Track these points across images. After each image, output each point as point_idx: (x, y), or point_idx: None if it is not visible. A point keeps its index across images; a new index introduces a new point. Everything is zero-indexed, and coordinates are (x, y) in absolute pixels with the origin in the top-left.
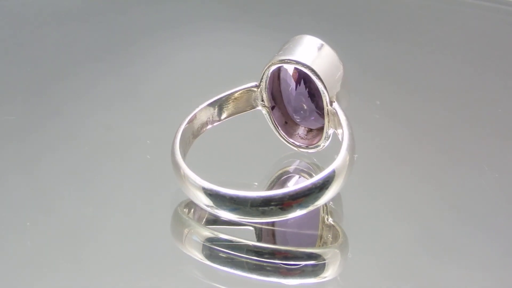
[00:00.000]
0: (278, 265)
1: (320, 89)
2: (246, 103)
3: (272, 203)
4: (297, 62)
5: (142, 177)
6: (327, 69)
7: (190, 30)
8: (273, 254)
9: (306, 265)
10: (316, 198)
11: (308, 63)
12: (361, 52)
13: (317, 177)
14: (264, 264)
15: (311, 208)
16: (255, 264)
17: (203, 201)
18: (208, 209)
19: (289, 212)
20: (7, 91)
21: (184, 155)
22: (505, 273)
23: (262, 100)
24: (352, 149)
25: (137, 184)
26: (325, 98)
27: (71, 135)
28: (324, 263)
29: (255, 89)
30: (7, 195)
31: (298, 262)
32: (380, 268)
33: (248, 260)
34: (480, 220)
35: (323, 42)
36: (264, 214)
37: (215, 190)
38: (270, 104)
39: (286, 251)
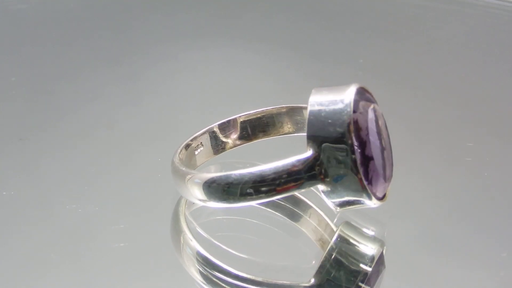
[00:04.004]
0: None
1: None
2: None
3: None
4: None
5: (144, 177)
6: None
7: (206, 43)
8: (256, 283)
9: None
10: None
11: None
12: (362, 52)
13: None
14: None
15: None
16: None
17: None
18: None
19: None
20: (13, 90)
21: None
22: (508, 272)
23: None
24: None
25: (138, 183)
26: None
27: (72, 135)
28: None
29: None
30: (10, 193)
31: None
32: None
33: None
34: (483, 219)
35: (344, 98)
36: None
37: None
38: None
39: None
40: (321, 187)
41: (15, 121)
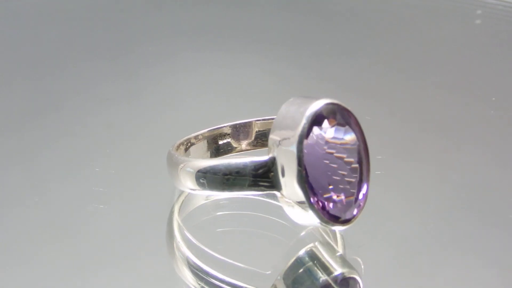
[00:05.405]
0: None
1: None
2: None
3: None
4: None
5: (143, 176)
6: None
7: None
8: None
9: None
10: None
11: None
12: (363, 51)
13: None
14: None
15: None
16: None
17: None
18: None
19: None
20: (13, 87)
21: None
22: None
23: None
24: None
25: (136, 182)
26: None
27: (71, 132)
28: None
29: None
30: (5, 190)
31: None
32: (385, 264)
33: None
34: (485, 217)
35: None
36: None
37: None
38: None
39: None
40: (278, 195)
41: (13, 116)
